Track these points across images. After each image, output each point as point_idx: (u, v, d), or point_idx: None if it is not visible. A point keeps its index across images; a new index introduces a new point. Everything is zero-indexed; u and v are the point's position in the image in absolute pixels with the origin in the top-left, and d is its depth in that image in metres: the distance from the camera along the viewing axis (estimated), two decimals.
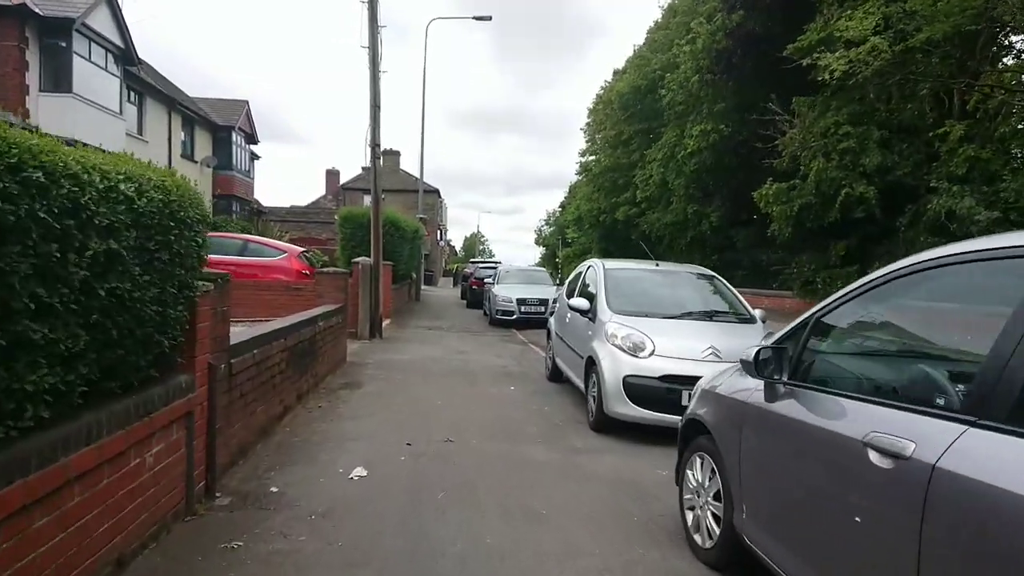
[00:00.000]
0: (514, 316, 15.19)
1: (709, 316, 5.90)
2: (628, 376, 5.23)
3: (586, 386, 5.89)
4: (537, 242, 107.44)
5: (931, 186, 18.64)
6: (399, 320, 15.89)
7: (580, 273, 7.50)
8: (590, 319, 6.15)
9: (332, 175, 48.34)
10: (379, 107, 12.10)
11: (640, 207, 35.32)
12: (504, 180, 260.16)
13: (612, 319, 5.75)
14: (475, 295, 21.55)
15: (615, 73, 43.83)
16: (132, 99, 21.35)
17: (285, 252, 13.57)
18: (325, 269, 9.25)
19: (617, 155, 39.29)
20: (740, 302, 6.27)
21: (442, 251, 56.96)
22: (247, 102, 29.16)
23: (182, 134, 25.22)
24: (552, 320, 8.17)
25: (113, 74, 18.41)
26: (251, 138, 30.21)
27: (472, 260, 38.21)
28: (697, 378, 4.93)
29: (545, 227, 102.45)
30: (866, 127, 20.63)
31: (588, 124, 48.34)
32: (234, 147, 28.11)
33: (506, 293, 15.55)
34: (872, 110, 20.91)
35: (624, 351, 5.38)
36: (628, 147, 38.09)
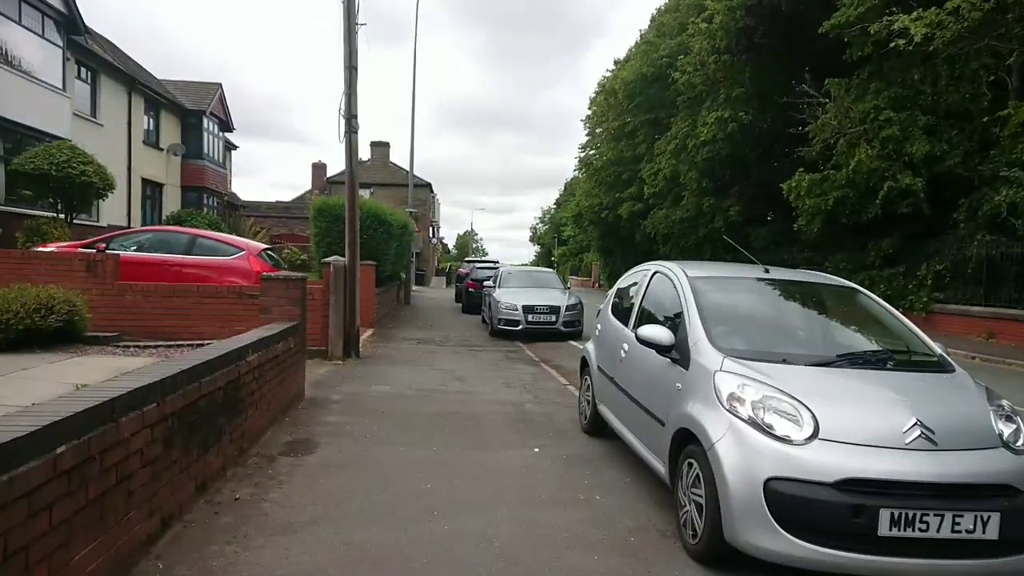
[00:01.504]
0: (520, 327, 12.82)
1: (883, 361, 3.53)
2: (774, 480, 2.87)
3: (677, 479, 3.50)
4: (532, 240, 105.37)
5: (990, 176, 16.40)
6: (384, 331, 13.47)
7: (637, 284, 5.07)
8: (674, 360, 3.78)
9: (318, 168, 45.72)
10: (355, 69, 9.69)
11: (648, 203, 33.00)
12: (498, 178, 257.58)
13: (725, 365, 3.38)
14: (472, 299, 19.17)
15: (616, 63, 41.50)
16: (83, 76, 18.82)
17: (242, 250, 11.14)
18: (273, 274, 6.82)
19: (620, 148, 36.97)
20: (913, 333, 3.91)
21: (435, 249, 54.48)
22: (220, 85, 26.62)
23: (146, 118, 22.70)
24: (591, 348, 5.76)
25: (53, 42, 15.90)
26: (225, 125, 27.67)
27: (468, 259, 35.74)
28: (905, 484, 2.78)
29: (540, 225, 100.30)
30: (910, 112, 18.38)
31: (588, 116, 45.98)
32: (205, 134, 25.58)
33: (510, 299, 13.17)
34: (916, 93, 18.64)
35: (760, 429, 3.02)
36: (633, 139, 35.77)
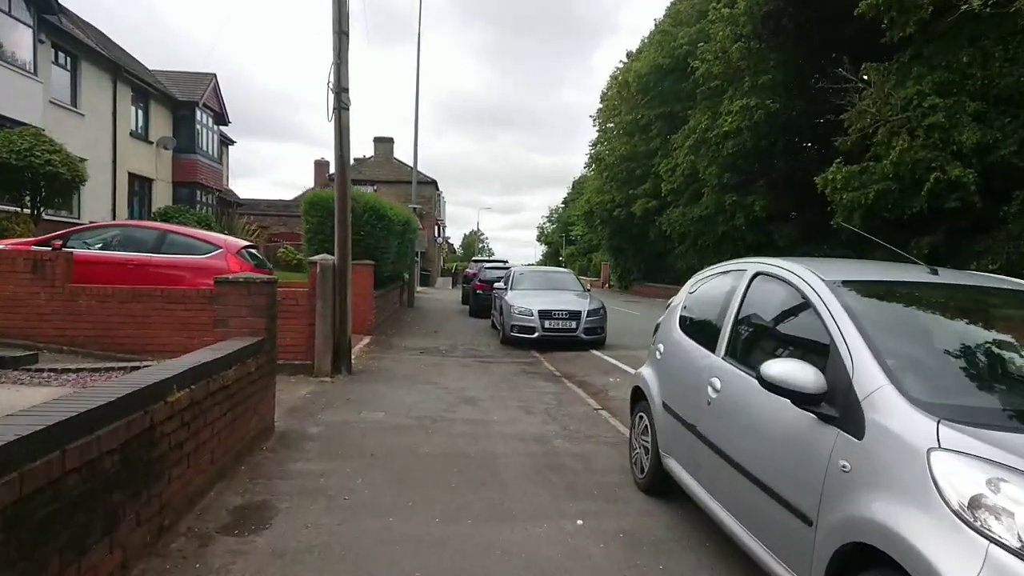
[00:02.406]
0: (535, 334, 11.36)
1: None
2: None
3: None
4: (539, 239, 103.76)
5: None
6: (383, 338, 12.05)
7: (727, 291, 3.54)
8: (828, 418, 2.32)
9: (321, 166, 44.36)
10: (346, 34, 8.26)
11: (665, 199, 31.45)
12: (503, 178, 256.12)
13: (944, 438, 1.93)
14: (480, 301, 17.72)
15: (629, 55, 39.98)
16: (62, 61, 17.48)
17: (219, 247, 9.73)
18: (231, 277, 5.38)
19: (634, 143, 35.43)
20: None
21: (440, 248, 53.09)
22: (214, 75, 25.24)
23: (133, 109, 21.36)
24: (650, 377, 4.21)
25: (21, 20, 14.54)
26: (220, 118, 26.31)
27: (475, 258, 34.25)
28: None
29: (548, 224, 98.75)
30: (957, 98, 16.83)
31: (599, 111, 44.48)
32: (198, 127, 24.23)
33: (524, 303, 11.70)
34: (964, 77, 17.07)
35: None
36: (647, 133, 34.24)
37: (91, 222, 13.72)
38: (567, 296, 12.44)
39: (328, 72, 8.25)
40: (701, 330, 3.69)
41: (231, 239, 10.36)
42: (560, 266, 61.47)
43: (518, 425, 6.03)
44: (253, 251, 10.65)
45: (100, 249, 9.81)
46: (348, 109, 8.33)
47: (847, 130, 19.15)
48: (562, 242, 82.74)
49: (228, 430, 4.30)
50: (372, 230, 12.28)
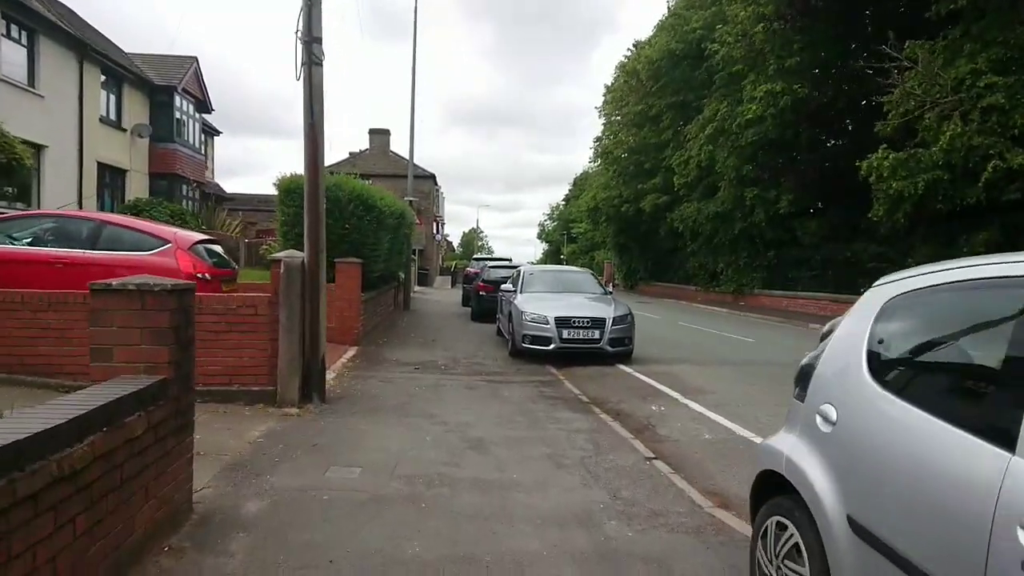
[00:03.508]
0: (552, 346, 9.59)
1: None
2: None
3: None
4: (540, 237, 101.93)
5: None
6: (372, 349, 10.28)
7: (987, 315, 1.79)
8: None
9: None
10: None
11: (678, 194, 29.65)
12: (503, 176, 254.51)
13: None
14: (484, 304, 15.96)
15: (637, 44, 38.20)
16: (15, 35, 15.65)
17: (168, 241, 7.95)
18: (111, 283, 3.57)
19: (643, 134, 33.65)
20: None
21: (439, 246, 51.29)
22: (195, 59, 23.41)
23: (104, 93, 19.54)
24: (812, 470, 2.32)
25: None
26: (203, 106, 24.49)
27: (477, 256, 32.37)
28: None
29: (548, 222, 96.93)
30: (1017, 76, 15.07)
31: (604, 103, 42.71)
32: (177, 113, 22.41)
33: (538, 309, 9.91)
34: None
35: None
36: (657, 125, 32.46)
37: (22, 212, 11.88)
38: (587, 300, 10.66)
39: (297, 18, 6.46)
40: (956, 395, 1.91)
41: (183, 232, 8.56)
42: (561, 264, 59.63)
43: (550, 493, 4.25)
44: (213, 247, 8.87)
45: (27, 244, 8.05)
46: (321, 65, 6.54)
47: (887, 115, 17.42)
48: (563, 240, 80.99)
49: (85, 540, 2.52)
50: (360, 223, 10.50)
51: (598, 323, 9.62)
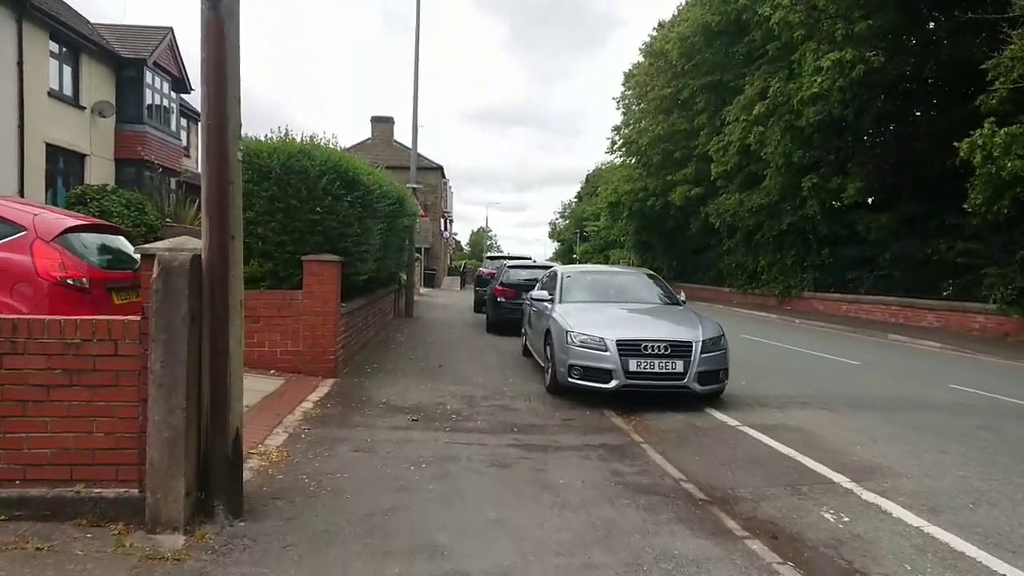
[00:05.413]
0: (613, 383, 6.53)
1: None
2: None
3: None
4: (551, 236, 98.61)
5: None
6: (354, 382, 7.25)
7: None
8: None
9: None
10: None
11: (714, 184, 26.49)
12: (512, 175, 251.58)
13: None
14: (502, 312, 12.96)
15: (661, 25, 35.14)
16: None
17: (22, 228, 4.99)
18: None
19: (672, 120, 30.49)
20: None
21: (446, 244, 48.32)
22: (170, 29, 20.48)
23: (55, 63, 16.63)
24: None
25: None
26: (179, 84, 21.57)
27: (490, 255, 29.26)
28: None
29: (560, 220, 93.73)
30: None
31: (624, 92, 39.64)
32: (148, 91, 19.49)
33: (589, 328, 6.83)
34: None
35: None
36: (689, 109, 29.30)
37: None
38: (656, 314, 7.62)
39: None
40: None
41: (52, 215, 5.55)
42: (572, 263, 56.20)
43: None
44: (109, 238, 5.89)
45: None
46: None
47: (991, 83, 14.33)
48: (576, 238, 77.88)
49: None
50: (337, 205, 7.48)
51: (681, 349, 6.55)
